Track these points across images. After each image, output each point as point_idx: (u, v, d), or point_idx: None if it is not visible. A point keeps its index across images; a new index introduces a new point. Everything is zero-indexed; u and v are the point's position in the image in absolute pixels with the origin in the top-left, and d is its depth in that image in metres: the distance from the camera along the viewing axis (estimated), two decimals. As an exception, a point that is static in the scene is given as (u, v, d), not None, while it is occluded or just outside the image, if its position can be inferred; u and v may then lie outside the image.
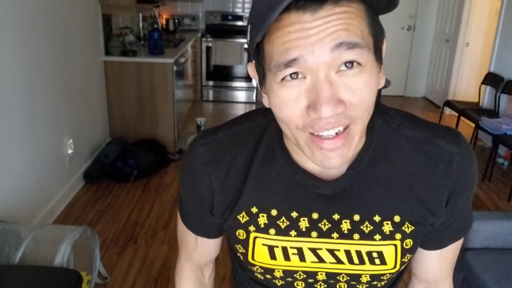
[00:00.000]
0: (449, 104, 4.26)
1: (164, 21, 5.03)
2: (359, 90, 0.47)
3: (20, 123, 2.18)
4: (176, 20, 5.08)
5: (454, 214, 0.61)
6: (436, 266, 0.68)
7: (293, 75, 0.47)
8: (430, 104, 5.64)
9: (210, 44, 5.02)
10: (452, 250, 0.67)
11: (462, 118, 4.03)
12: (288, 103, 0.48)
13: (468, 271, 1.72)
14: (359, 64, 0.46)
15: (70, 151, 2.77)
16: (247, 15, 5.35)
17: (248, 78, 5.25)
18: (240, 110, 4.91)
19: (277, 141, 0.59)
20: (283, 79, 0.47)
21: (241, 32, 5.23)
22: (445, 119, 4.94)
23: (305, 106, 0.47)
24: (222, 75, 5.26)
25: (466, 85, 5.16)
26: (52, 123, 2.54)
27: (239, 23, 5.38)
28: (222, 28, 5.36)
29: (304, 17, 0.44)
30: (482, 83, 4.26)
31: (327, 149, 0.48)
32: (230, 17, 5.36)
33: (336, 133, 0.48)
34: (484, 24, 4.95)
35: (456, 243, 0.66)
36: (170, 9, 5.39)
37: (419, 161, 0.57)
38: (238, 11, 5.46)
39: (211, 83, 5.23)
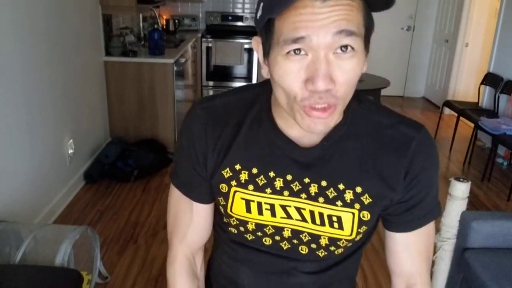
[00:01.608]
0: (448, 104, 4.27)
1: (164, 22, 5.03)
2: (348, 72, 0.56)
3: (20, 123, 2.19)
4: (176, 21, 5.08)
5: (415, 196, 0.68)
6: (406, 254, 0.72)
7: (296, 51, 0.55)
8: (429, 104, 5.64)
9: (210, 45, 5.02)
10: (422, 242, 0.71)
11: (461, 118, 4.03)
12: (290, 74, 0.56)
13: (467, 271, 1.72)
14: (352, 49, 0.56)
15: (70, 151, 2.78)
16: (247, 15, 5.36)
17: (248, 79, 5.26)
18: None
19: (265, 110, 0.68)
20: (288, 52, 0.55)
21: (241, 32, 5.23)
22: (444, 119, 4.95)
23: (304, 80, 0.56)
24: (222, 75, 5.26)
25: (466, 85, 5.16)
26: (53, 123, 2.54)
27: (239, 23, 5.38)
28: (222, 28, 5.36)
29: (316, 3, 0.53)
30: (482, 83, 4.26)
31: (315, 116, 0.57)
32: (230, 18, 5.37)
33: (324, 108, 0.57)
34: (484, 25, 4.95)
35: (423, 232, 0.71)
36: (170, 9, 5.39)
37: (383, 142, 0.66)
38: (238, 11, 5.47)
39: (211, 83, 5.23)
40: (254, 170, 0.68)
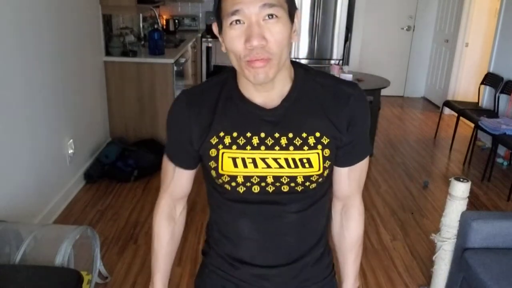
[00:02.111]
0: (448, 104, 4.27)
1: (164, 22, 5.03)
2: (276, 34, 0.76)
3: (20, 124, 2.19)
4: (176, 21, 5.08)
5: (355, 138, 0.88)
6: (346, 182, 0.94)
7: (236, 21, 0.76)
8: (429, 104, 5.64)
9: (210, 45, 5.02)
10: (357, 173, 0.94)
11: (461, 118, 4.03)
12: (234, 39, 0.77)
13: (467, 271, 1.72)
14: (276, 16, 0.76)
15: (70, 151, 2.78)
16: (247, 15, 5.35)
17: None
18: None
19: (234, 87, 0.87)
20: (231, 23, 0.76)
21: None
22: (444, 119, 4.95)
23: (244, 41, 0.76)
24: (222, 75, 5.26)
25: (466, 85, 5.16)
26: (53, 124, 2.55)
27: (239, 23, 5.38)
28: (222, 28, 5.36)
29: None
30: (482, 83, 4.26)
31: (256, 67, 0.77)
32: (230, 18, 5.36)
33: (261, 59, 0.77)
34: (484, 25, 4.96)
35: (359, 165, 0.92)
36: (170, 9, 5.39)
37: (329, 98, 0.86)
38: (238, 11, 5.46)
39: (211, 83, 5.23)
40: (235, 134, 0.85)
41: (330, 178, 0.92)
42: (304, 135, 0.84)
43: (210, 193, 0.95)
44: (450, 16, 5.22)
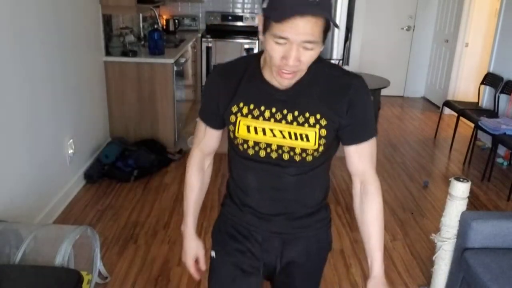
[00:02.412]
0: (448, 104, 4.27)
1: (164, 22, 5.03)
2: (309, 57, 0.94)
3: (21, 124, 2.19)
4: (176, 21, 5.08)
5: (356, 120, 1.04)
6: (356, 159, 1.09)
7: (281, 40, 0.91)
8: (429, 104, 5.64)
9: (210, 44, 5.03)
10: (367, 151, 1.09)
11: (461, 118, 4.04)
12: (275, 51, 0.93)
13: (467, 271, 1.72)
14: (312, 48, 0.93)
15: (70, 151, 2.78)
16: (247, 15, 5.36)
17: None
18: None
19: (257, 68, 1.06)
20: (276, 41, 0.92)
21: (241, 32, 5.23)
22: (444, 119, 4.95)
23: (281, 56, 0.92)
24: (222, 75, 5.26)
25: (466, 85, 5.17)
26: (53, 124, 2.55)
27: (239, 23, 5.38)
28: (222, 28, 5.36)
29: (298, 23, 0.89)
30: (482, 83, 4.26)
31: (283, 77, 0.97)
32: (230, 18, 5.37)
33: (289, 73, 0.96)
34: (484, 25, 4.96)
35: (365, 145, 1.08)
36: (170, 9, 5.39)
37: (334, 86, 1.04)
38: (238, 11, 5.47)
39: (211, 83, 5.23)
40: (251, 106, 1.05)
41: (326, 154, 1.08)
42: (307, 115, 1.02)
43: (230, 152, 1.16)
44: (450, 16, 5.22)
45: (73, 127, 2.83)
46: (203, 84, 5.19)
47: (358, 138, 1.06)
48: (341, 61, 5.05)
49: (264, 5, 0.93)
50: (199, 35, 5.02)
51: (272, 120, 1.03)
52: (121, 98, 3.48)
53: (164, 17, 5.20)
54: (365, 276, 2.20)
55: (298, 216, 1.14)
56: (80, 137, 2.95)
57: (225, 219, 1.21)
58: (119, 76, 3.42)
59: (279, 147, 1.04)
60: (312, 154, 1.04)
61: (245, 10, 5.47)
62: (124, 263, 2.20)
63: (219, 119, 1.12)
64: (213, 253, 1.27)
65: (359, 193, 1.11)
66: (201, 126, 1.16)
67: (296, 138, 1.02)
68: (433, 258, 1.95)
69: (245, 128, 1.05)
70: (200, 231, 2.52)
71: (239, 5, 5.46)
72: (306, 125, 1.02)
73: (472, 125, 3.80)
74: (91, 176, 3.01)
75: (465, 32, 4.97)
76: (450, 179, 1.84)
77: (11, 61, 2.08)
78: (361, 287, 2.11)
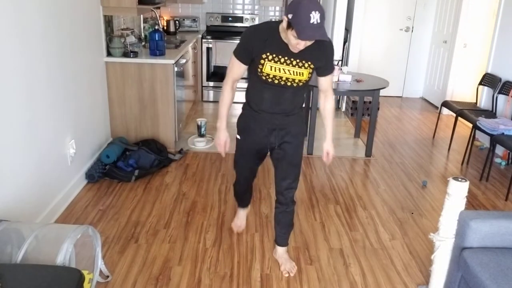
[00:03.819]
0: (447, 104, 4.29)
1: (165, 23, 5.04)
2: (311, 43, 1.82)
3: (22, 124, 2.20)
4: (177, 22, 5.10)
5: (325, 64, 1.94)
6: (324, 82, 2.02)
7: (297, 39, 1.73)
8: (428, 105, 5.66)
9: (210, 45, 5.04)
10: (329, 77, 2.02)
11: (459, 118, 4.05)
12: (292, 39, 1.77)
13: (465, 270, 1.74)
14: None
15: (72, 151, 2.79)
16: (247, 16, 5.37)
17: (247, 78, 5.27)
18: (240, 110, 4.92)
19: (277, 33, 1.83)
20: (293, 36, 1.76)
21: (241, 33, 5.24)
22: (443, 120, 4.97)
23: (296, 43, 1.76)
24: (223, 76, 5.25)
25: (464, 86, 5.18)
26: (54, 124, 2.56)
27: (239, 24, 5.40)
28: (222, 29, 5.38)
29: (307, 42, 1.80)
30: (480, 83, 4.28)
31: (295, 50, 1.80)
32: (230, 19, 5.39)
33: (299, 48, 1.80)
34: (482, 25, 4.98)
35: (330, 75, 2.01)
36: (171, 10, 5.41)
37: (321, 47, 1.87)
38: (238, 12, 5.48)
39: (211, 83, 5.25)
40: (274, 55, 1.83)
41: (307, 82, 1.94)
42: (303, 61, 1.86)
43: (252, 76, 1.96)
44: (448, 17, 5.24)
45: (74, 127, 2.85)
46: (203, 84, 5.21)
47: (325, 72, 1.97)
48: (340, 62, 5.07)
49: (290, 16, 1.65)
50: (200, 36, 5.04)
51: (285, 64, 1.84)
52: (122, 99, 3.49)
53: (165, 18, 5.21)
54: (365, 275, 2.21)
55: (291, 114, 2.01)
56: (81, 137, 2.96)
57: (245, 118, 2.09)
58: (120, 77, 3.43)
59: (287, 79, 1.88)
60: (303, 82, 1.91)
61: (245, 11, 5.49)
62: (125, 262, 2.21)
63: (249, 59, 1.89)
64: (238, 137, 2.14)
65: (323, 100, 2.08)
66: (236, 62, 1.93)
67: (297, 74, 1.87)
68: (432, 257, 1.96)
69: (269, 67, 1.85)
70: (200, 231, 2.53)
71: (239, 6, 5.47)
72: (303, 67, 1.87)
73: (471, 125, 3.82)
74: (92, 176, 3.03)
75: (464, 33, 4.99)
76: (448, 179, 1.86)
77: (13, 62, 2.10)
78: (360, 286, 2.13)
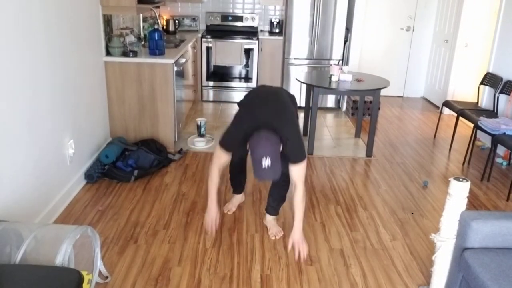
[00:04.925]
0: (448, 104, 4.27)
1: (164, 22, 5.04)
2: None
3: (21, 124, 2.19)
4: (177, 21, 5.09)
5: (289, 155, 2.11)
6: (291, 171, 2.12)
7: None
8: (429, 105, 5.65)
9: (210, 45, 5.03)
10: (293, 168, 2.11)
11: (461, 118, 4.04)
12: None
13: (466, 271, 1.73)
14: None
15: (71, 151, 2.78)
16: (247, 16, 5.37)
17: (247, 79, 5.26)
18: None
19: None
20: None
21: (241, 32, 5.24)
22: (444, 119, 4.96)
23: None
24: (222, 75, 5.27)
25: (465, 86, 5.17)
26: (53, 124, 2.55)
27: (239, 23, 5.39)
28: (222, 28, 5.37)
29: None
30: (481, 83, 4.27)
31: None
32: (230, 18, 5.38)
33: None
34: (483, 25, 4.96)
35: (294, 166, 2.12)
36: (171, 9, 5.40)
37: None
38: (238, 12, 5.47)
39: (211, 83, 5.24)
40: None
41: None
42: None
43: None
44: (449, 16, 5.23)
45: (74, 127, 2.84)
46: (203, 84, 5.20)
47: (291, 161, 2.11)
48: (340, 61, 5.06)
49: (249, 151, 1.92)
50: (199, 35, 5.03)
51: None
52: (122, 98, 3.48)
53: (164, 17, 5.20)
54: (365, 276, 2.20)
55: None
56: (81, 137, 2.95)
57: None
58: (120, 76, 3.42)
59: None
60: None
61: (245, 11, 5.48)
62: (124, 263, 2.21)
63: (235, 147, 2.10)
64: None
65: (294, 190, 2.18)
66: (222, 154, 2.11)
67: None
68: (433, 258, 1.96)
69: None
70: (200, 231, 2.52)
71: (239, 6, 5.46)
72: None
73: (472, 125, 3.81)
74: (91, 176, 3.02)
75: (465, 32, 4.97)
76: (449, 179, 1.85)
77: (12, 61, 2.09)
78: (361, 287, 2.12)
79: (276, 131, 1.98)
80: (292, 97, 2.36)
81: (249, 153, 1.92)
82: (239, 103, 2.28)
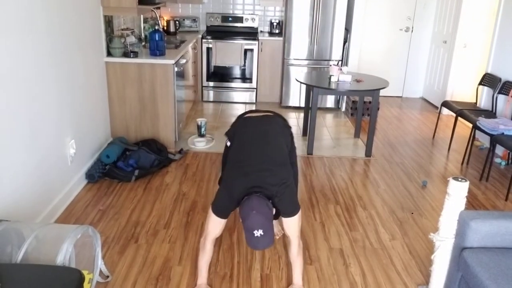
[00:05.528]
0: (446, 104, 4.29)
1: (165, 23, 5.05)
2: None
3: (22, 124, 2.20)
4: (177, 22, 5.10)
5: (281, 209, 1.89)
6: (284, 224, 1.89)
7: None
8: (428, 105, 5.66)
9: (210, 45, 5.04)
10: (286, 220, 1.88)
11: (459, 118, 4.05)
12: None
13: (465, 270, 1.74)
14: None
15: (72, 151, 2.79)
16: (247, 16, 5.38)
17: (247, 79, 5.27)
18: (240, 110, 4.92)
19: None
20: None
21: (241, 33, 5.25)
22: (442, 120, 4.97)
23: None
24: (222, 76, 5.28)
25: (464, 86, 5.18)
26: (55, 124, 2.56)
27: (239, 24, 5.40)
28: (222, 29, 5.38)
29: None
30: (480, 83, 4.28)
31: None
32: (230, 19, 5.39)
33: None
34: (482, 25, 4.98)
35: (293, 220, 1.89)
36: (171, 10, 5.41)
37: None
38: (238, 12, 5.49)
39: (211, 83, 5.25)
40: None
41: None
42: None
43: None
44: (448, 17, 5.24)
45: (75, 127, 2.85)
46: (203, 84, 5.21)
47: (282, 214, 1.90)
48: (340, 62, 5.07)
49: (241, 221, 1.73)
50: (200, 36, 5.04)
51: None
52: (122, 99, 3.49)
53: (165, 18, 5.21)
54: (365, 275, 2.21)
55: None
56: (82, 137, 2.96)
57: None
58: (120, 77, 3.43)
59: None
60: None
61: (245, 12, 5.49)
62: (125, 262, 2.21)
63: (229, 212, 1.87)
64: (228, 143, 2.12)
65: (288, 243, 2.01)
66: (216, 222, 1.88)
67: None
68: (432, 257, 1.97)
69: None
70: (200, 231, 2.53)
71: (239, 7, 5.47)
72: None
73: (470, 125, 3.82)
74: (92, 176, 3.03)
75: (463, 33, 4.99)
76: (448, 179, 1.86)
77: (13, 62, 2.10)
78: (360, 286, 2.13)
79: (267, 189, 1.79)
80: (285, 122, 2.17)
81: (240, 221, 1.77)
82: (226, 134, 2.12)
